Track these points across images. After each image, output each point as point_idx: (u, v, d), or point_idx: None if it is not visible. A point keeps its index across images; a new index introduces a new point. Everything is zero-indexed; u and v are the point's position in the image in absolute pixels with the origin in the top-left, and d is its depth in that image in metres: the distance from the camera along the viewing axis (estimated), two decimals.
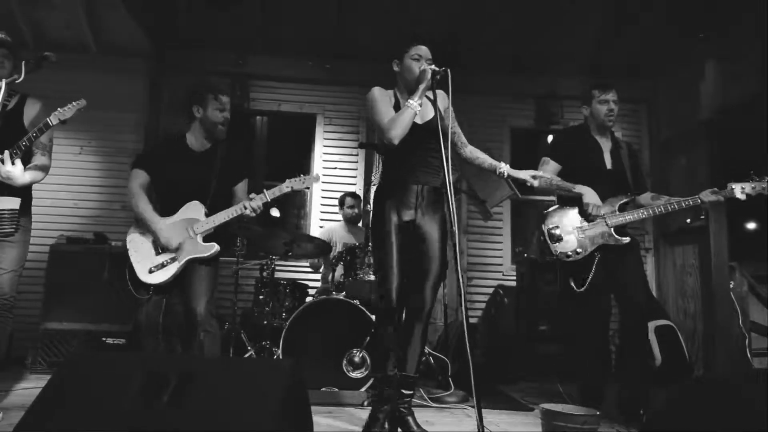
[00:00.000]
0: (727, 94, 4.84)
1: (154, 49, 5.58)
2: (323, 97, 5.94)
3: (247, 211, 2.91)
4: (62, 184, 5.33)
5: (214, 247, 2.92)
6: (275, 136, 6.05)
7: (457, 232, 2.30)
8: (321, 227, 5.50)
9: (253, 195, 2.93)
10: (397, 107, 2.77)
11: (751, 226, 6.58)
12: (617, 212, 3.22)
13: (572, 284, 3.20)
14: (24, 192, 2.87)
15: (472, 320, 5.66)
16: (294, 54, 5.86)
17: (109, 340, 4.35)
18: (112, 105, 5.52)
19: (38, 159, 2.90)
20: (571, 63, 5.87)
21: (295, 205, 5.99)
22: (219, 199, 3.01)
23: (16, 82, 2.68)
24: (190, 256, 2.90)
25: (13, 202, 2.79)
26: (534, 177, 2.87)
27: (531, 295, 5.08)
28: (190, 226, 2.93)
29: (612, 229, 3.19)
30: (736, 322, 4.57)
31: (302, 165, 5.92)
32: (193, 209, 2.97)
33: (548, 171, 3.33)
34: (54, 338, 4.34)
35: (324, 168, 5.79)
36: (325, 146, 5.88)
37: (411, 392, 2.74)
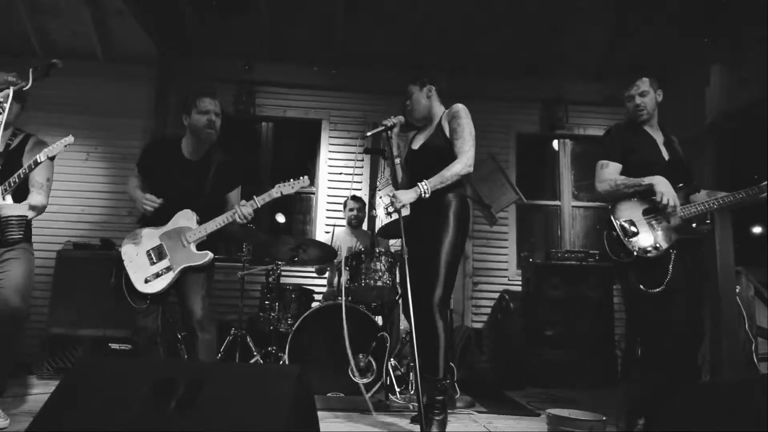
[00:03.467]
0: (734, 98, 4.83)
1: (161, 56, 5.62)
2: (329, 103, 5.97)
3: (237, 218, 2.91)
4: (69, 191, 5.37)
5: (208, 255, 2.94)
6: (281, 141, 6.07)
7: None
8: (327, 232, 5.51)
9: (243, 202, 2.93)
10: None
11: (757, 230, 6.56)
12: (687, 204, 2.93)
13: (641, 286, 2.85)
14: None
15: (477, 325, 5.66)
16: (299, 60, 5.89)
17: (116, 346, 4.37)
18: (119, 112, 5.58)
19: (33, 198, 2.92)
20: (577, 68, 5.88)
21: (301, 210, 6.00)
22: (212, 207, 3.02)
23: (24, 89, 2.69)
24: (185, 265, 2.91)
25: (22, 209, 2.81)
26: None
27: (537, 300, 5.08)
28: (183, 235, 2.95)
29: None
30: (742, 327, 4.55)
31: (308, 170, 5.94)
32: (186, 218, 2.99)
33: (610, 173, 3.06)
34: (61, 344, 4.36)
35: (329, 173, 5.82)
36: (330, 152, 5.90)
37: None
